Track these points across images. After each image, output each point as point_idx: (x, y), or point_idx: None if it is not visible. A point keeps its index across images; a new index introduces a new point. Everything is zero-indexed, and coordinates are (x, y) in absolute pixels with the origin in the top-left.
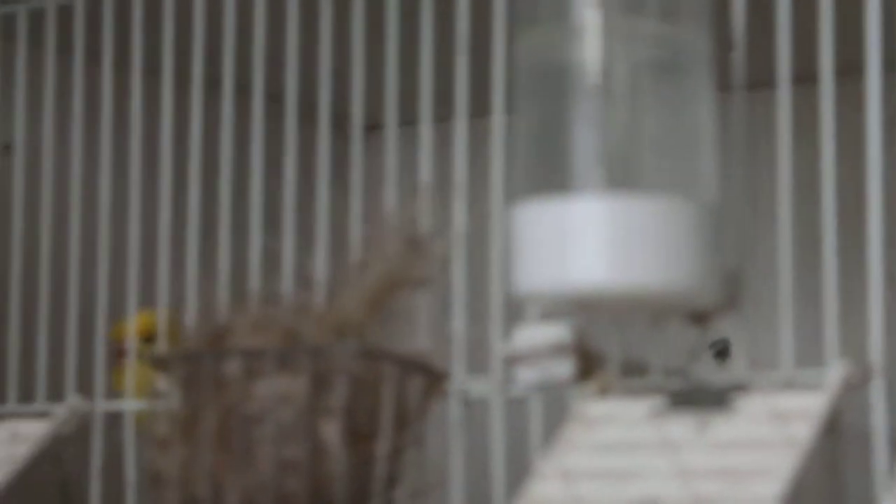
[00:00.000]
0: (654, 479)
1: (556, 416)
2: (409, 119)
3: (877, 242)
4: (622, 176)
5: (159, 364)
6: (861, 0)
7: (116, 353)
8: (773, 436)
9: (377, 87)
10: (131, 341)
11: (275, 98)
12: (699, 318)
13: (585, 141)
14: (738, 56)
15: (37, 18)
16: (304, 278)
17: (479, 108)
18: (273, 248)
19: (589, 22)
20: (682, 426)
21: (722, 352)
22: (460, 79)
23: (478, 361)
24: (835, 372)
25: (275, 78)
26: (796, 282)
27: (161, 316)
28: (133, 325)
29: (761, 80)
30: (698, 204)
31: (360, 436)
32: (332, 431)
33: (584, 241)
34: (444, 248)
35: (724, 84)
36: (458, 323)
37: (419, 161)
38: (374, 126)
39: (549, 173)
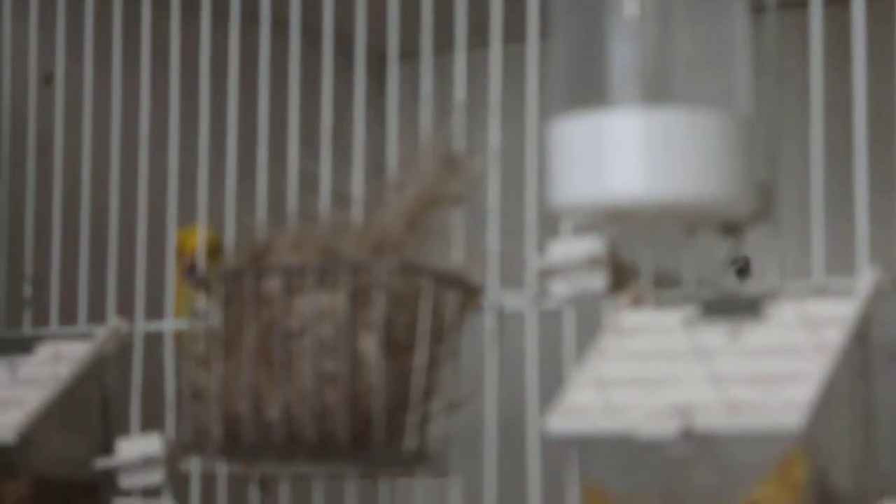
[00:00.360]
0: (687, 386)
1: (590, 328)
2: (443, 46)
3: None
4: (657, 90)
5: (201, 283)
6: None
7: (186, 268)
8: (805, 342)
9: (413, 14)
10: (183, 258)
11: (311, 24)
12: (731, 228)
13: (621, 56)
14: None
15: None
16: (341, 198)
17: (514, 34)
18: (311, 168)
19: None
20: (714, 334)
21: (742, 269)
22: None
23: (514, 276)
24: (865, 279)
25: (311, 3)
26: (827, 192)
27: (202, 235)
28: (194, 240)
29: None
30: (733, 117)
31: (397, 349)
32: (370, 345)
33: (621, 154)
34: (478, 165)
35: (757, 4)
36: (493, 238)
37: (454, 85)
38: (409, 53)
39: (585, 88)
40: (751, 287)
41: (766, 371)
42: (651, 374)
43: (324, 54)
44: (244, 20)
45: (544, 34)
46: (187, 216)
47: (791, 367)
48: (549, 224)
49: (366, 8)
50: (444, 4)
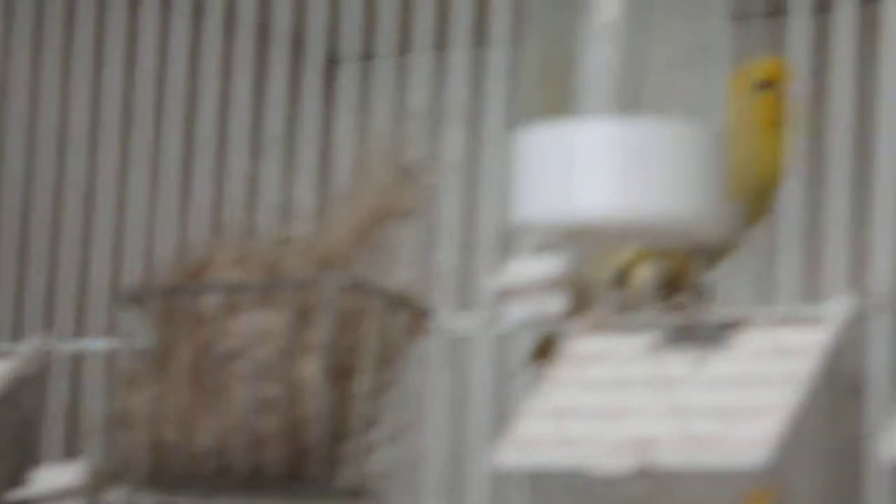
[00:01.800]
0: (647, 418)
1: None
2: (403, 49)
3: (885, 178)
4: (629, 99)
5: (132, 299)
6: None
7: None
8: (773, 372)
9: (371, 14)
10: None
11: (263, 27)
12: (702, 251)
13: (592, 63)
14: None
15: None
16: (287, 208)
17: (478, 37)
18: (255, 176)
19: None
20: (679, 363)
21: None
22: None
23: (469, 296)
24: (837, 306)
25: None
26: (799, 216)
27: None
28: None
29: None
30: (708, 130)
31: (340, 373)
32: (312, 369)
33: (589, 167)
34: (434, 176)
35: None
36: (446, 255)
37: (413, 90)
38: (367, 56)
39: (553, 97)
40: (719, 313)
41: (730, 403)
42: (609, 405)
43: (273, 49)
44: (192, 14)
45: (514, 38)
46: (119, 225)
47: (757, 400)
48: (509, 242)
49: (322, 7)
50: (404, 5)
